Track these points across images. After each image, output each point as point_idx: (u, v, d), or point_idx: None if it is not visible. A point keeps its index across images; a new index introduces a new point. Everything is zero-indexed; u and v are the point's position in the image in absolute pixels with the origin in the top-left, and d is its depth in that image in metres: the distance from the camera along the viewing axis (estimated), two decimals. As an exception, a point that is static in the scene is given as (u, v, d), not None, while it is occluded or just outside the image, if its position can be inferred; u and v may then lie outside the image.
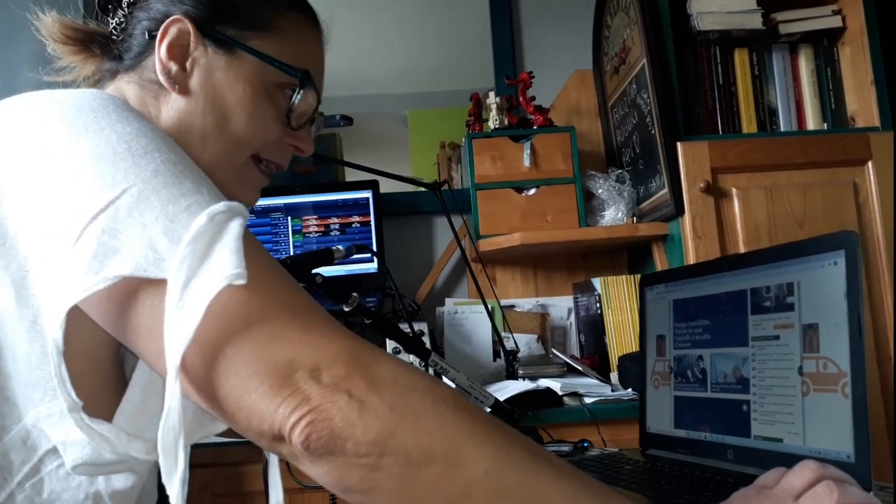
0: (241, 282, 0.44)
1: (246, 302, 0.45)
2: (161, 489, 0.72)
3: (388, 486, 0.44)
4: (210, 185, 0.52)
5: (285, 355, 0.44)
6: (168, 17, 0.67)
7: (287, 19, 0.70)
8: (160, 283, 0.45)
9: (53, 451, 0.54)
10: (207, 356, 0.44)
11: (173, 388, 0.43)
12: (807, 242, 0.77)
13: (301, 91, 0.69)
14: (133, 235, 0.46)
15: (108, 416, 0.52)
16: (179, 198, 0.48)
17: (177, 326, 0.43)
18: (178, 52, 0.66)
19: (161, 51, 0.66)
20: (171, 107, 0.66)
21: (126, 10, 0.70)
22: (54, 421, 0.53)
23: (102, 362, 0.54)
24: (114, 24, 0.71)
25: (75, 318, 0.47)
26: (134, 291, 0.46)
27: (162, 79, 0.66)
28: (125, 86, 0.69)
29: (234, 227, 0.47)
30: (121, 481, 0.56)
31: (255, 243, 0.50)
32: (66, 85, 0.72)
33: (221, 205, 0.47)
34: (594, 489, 0.48)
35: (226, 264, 0.44)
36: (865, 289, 1.49)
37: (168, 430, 0.44)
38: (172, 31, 0.66)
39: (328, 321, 0.48)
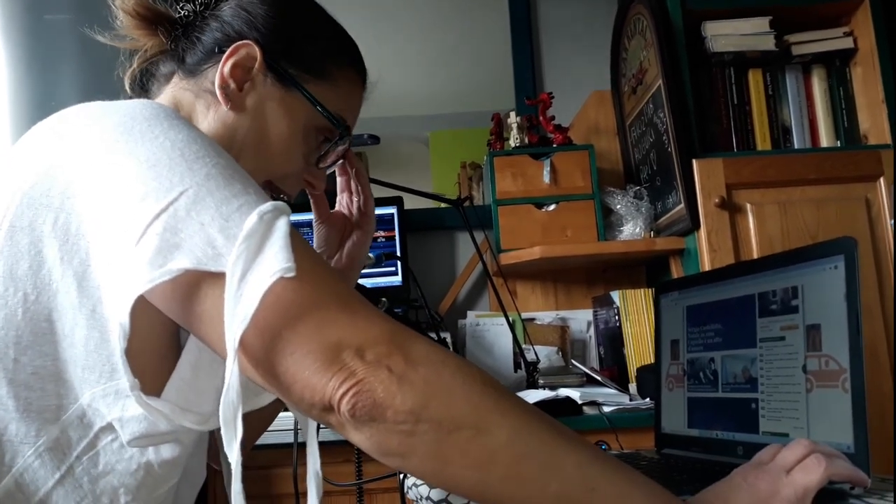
0: (291, 274, 0.49)
1: (298, 291, 0.51)
2: (209, 468, 0.78)
3: (422, 450, 0.50)
4: (255, 185, 0.58)
5: (334, 337, 0.50)
6: (241, 38, 0.72)
7: (343, 74, 0.76)
8: (219, 276, 0.50)
9: (107, 427, 0.59)
10: (266, 338, 0.50)
11: (232, 368, 0.49)
12: (809, 248, 0.82)
13: (339, 141, 0.76)
14: (192, 233, 0.52)
15: (158, 391, 0.58)
16: (231, 199, 0.54)
17: (235, 313, 0.49)
18: (241, 73, 0.71)
19: (226, 67, 0.71)
20: (219, 118, 0.71)
21: (198, 7, 0.75)
22: (110, 401, 0.58)
23: (159, 343, 0.60)
24: (182, 14, 0.75)
25: (135, 306, 0.52)
26: (196, 283, 0.52)
27: (218, 92, 0.71)
28: (180, 93, 0.73)
29: (282, 225, 0.52)
30: (168, 451, 0.62)
31: (300, 238, 0.55)
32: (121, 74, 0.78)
33: (269, 205, 0.53)
34: (604, 458, 0.53)
35: (277, 259, 0.50)
36: (880, 299, 1.52)
37: (228, 404, 0.50)
38: (242, 52, 0.71)
39: (369, 307, 0.54)
